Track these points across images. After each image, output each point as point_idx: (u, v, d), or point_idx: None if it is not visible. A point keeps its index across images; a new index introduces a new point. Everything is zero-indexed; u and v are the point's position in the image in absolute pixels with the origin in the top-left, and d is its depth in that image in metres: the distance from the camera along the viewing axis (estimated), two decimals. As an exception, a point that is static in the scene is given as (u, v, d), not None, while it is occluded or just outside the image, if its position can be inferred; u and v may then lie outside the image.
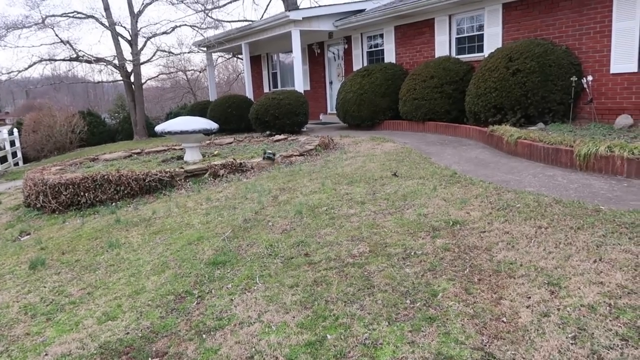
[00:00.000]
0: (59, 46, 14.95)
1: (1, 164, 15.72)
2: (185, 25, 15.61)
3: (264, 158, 7.77)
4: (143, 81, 17.33)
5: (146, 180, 6.79)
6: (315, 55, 15.72)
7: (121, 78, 16.56)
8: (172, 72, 22.91)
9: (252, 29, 14.23)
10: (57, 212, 6.75)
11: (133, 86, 16.61)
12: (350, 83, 11.90)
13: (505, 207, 4.28)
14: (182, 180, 7.06)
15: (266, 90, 18.34)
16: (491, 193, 4.76)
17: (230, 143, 10.56)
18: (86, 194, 6.70)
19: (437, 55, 11.34)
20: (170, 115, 23.36)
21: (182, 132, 8.23)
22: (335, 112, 13.00)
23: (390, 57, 12.74)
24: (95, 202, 6.73)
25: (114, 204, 6.70)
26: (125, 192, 6.75)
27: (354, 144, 9.15)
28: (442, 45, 11.25)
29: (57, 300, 3.73)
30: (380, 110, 11.39)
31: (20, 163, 18.99)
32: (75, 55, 15.17)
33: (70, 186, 6.72)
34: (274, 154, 7.91)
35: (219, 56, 27.21)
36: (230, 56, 23.54)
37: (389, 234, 3.99)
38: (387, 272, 3.27)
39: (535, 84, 8.12)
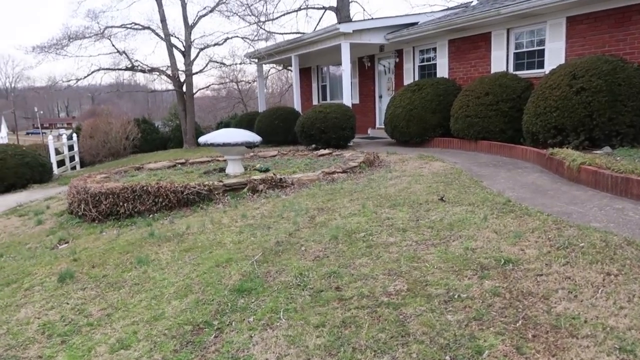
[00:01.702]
0: (116, 56, 15.46)
1: (58, 167, 16.35)
2: (237, 37, 15.69)
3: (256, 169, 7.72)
4: (194, 91, 17.62)
5: (184, 193, 6.68)
6: (365, 68, 15.43)
7: (174, 87, 16.91)
8: (223, 83, 23.30)
9: (302, 41, 14.13)
10: (96, 221, 6.75)
11: (185, 96, 16.90)
12: (400, 98, 11.51)
13: (566, 245, 3.77)
14: (221, 194, 6.90)
15: (315, 102, 18.21)
16: (550, 227, 4.25)
17: (274, 156, 10.40)
18: (125, 205, 6.66)
19: (492, 70, 10.76)
20: (221, 125, 23.69)
21: (224, 144, 8.12)
22: (383, 126, 12.62)
23: (442, 71, 12.25)
24: (134, 212, 6.68)
25: (151, 215, 6.62)
26: (163, 204, 6.66)
27: (400, 162, 8.74)
28: (499, 61, 10.66)
29: (76, 320, 3.57)
30: (430, 127, 10.91)
31: (78, 167, 19.75)
32: (130, 65, 15.64)
33: (110, 196, 6.70)
34: (267, 169, 7.72)
35: (271, 67, 27.49)
36: (281, 68, 23.68)
37: (430, 269, 3.59)
38: (426, 318, 2.88)
39: (601, 104, 7.44)
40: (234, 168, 8.51)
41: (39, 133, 70.00)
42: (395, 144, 11.84)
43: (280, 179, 7.19)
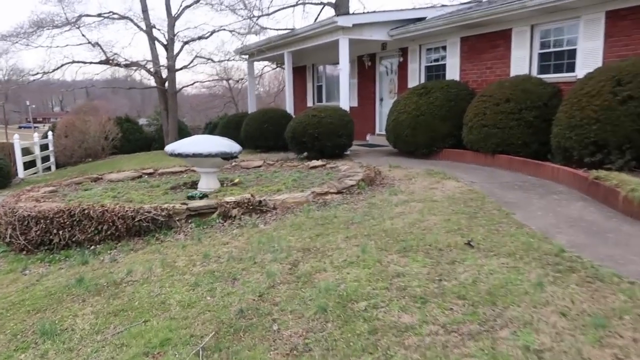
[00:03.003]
0: (90, 47, 13.98)
1: (27, 169, 14.86)
2: (225, 29, 14.26)
3: (188, 198, 6.37)
4: (177, 88, 16.15)
5: (135, 220, 5.26)
6: (365, 68, 14.03)
7: (155, 84, 15.45)
8: (209, 81, 21.79)
9: (296, 35, 12.72)
10: (25, 252, 5.32)
11: (167, 93, 15.45)
12: (405, 102, 10.11)
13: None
14: (183, 220, 5.49)
15: (310, 104, 16.80)
16: (643, 306, 2.87)
17: (259, 167, 8.98)
18: (60, 233, 5.23)
19: (512, 73, 9.40)
20: (209, 126, 22.25)
21: (194, 155, 6.70)
22: (384, 133, 11.23)
23: (453, 73, 10.87)
24: (71, 243, 5.25)
25: (92, 247, 5.20)
26: (109, 232, 5.23)
27: (406, 180, 7.34)
28: (521, 62, 9.29)
29: None
30: (439, 137, 9.52)
31: (53, 168, 18.23)
32: (105, 59, 14.18)
33: (42, 221, 5.27)
34: (204, 195, 6.46)
35: (266, 65, 26.05)
36: (275, 66, 22.25)
37: (476, 395, 2.20)
38: None
39: (656, 116, 6.09)
40: (207, 183, 7.09)
41: (31, 127, 68.28)
42: (398, 155, 10.44)
43: (260, 201, 5.78)
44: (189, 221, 5.50)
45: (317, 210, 5.79)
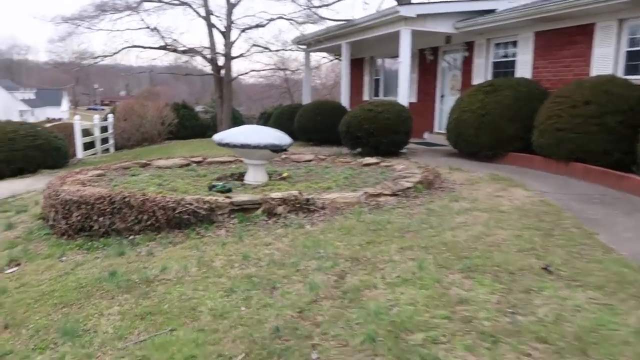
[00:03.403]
0: (150, 32, 14.06)
1: (86, 149, 15.21)
2: (282, 18, 13.94)
3: (210, 188, 6.09)
4: (233, 77, 16.04)
5: (176, 211, 4.98)
6: (426, 62, 13.32)
7: (211, 72, 15.38)
8: (264, 70, 21.59)
9: (355, 26, 12.19)
10: (65, 236, 5.18)
11: (222, 81, 15.35)
12: (469, 100, 9.39)
13: None
14: (226, 215, 5.16)
15: (366, 98, 16.25)
16: None
17: (310, 161, 8.58)
18: (100, 219, 5.04)
19: (593, 73, 8.48)
20: (264, 115, 22.13)
21: (242, 146, 6.38)
22: (444, 132, 10.55)
23: (524, 70, 10.01)
24: (111, 231, 5.05)
25: (131, 236, 4.97)
26: (149, 223, 4.98)
27: (468, 185, 6.71)
28: (604, 61, 8.36)
29: None
30: (505, 139, 8.76)
31: (112, 150, 18.67)
32: (164, 44, 14.22)
33: (83, 206, 5.10)
34: (228, 189, 6.07)
35: (323, 57, 25.65)
36: (332, 58, 21.80)
37: None
38: None
39: None
40: (254, 175, 6.77)
41: (98, 109, 71.39)
42: (459, 156, 9.74)
43: (308, 199, 5.36)
44: (232, 216, 5.17)
45: (369, 213, 5.31)
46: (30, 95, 78.62)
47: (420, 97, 13.75)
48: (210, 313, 3.16)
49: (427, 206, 5.53)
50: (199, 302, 3.34)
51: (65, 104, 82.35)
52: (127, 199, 5.04)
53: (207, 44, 14.84)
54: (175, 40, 14.45)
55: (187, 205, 5.00)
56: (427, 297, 3.15)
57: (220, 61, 15.00)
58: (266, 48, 15.92)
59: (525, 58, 10.03)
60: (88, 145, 16.10)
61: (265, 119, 20.83)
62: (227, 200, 5.18)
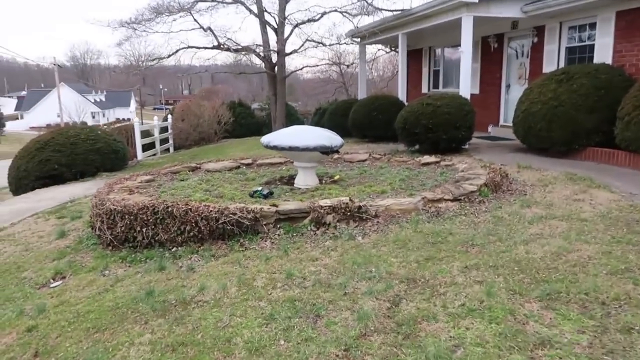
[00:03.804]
0: (203, 32, 14.05)
1: (146, 151, 15.54)
2: (336, 11, 13.48)
3: (251, 195, 5.77)
4: (287, 73, 15.78)
5: (219, 222, 4.70)
6: (490, 50, 12.40)
7: (264, 69, 15.21)
8: (317, 65, 21.23)
9: (412, 15, 11.51)
10: (111, 247, 5.05)
11: (276, 78, 15.13)
12: (539, 90, 8.53)
13: None
14: (272, 225, 4.82)
15: (424, 90, 15.49)
16: None
17: (364, 161, 8.10)
18: (144, 230, 4.86)
19: (689, 54, 7.40)
20: (319, 111, 21.82)
21: (290, 149, 6.02)
22: (511, 125, 9.71)
23: (603, 55, 8.98)
24: (154, 242, 4.86)
25: (174, 248, 4.76)
26: (191, 234, 4.74)
27: (540, 186, 5.99)
28: (702, 40, 7.27)
29: None
30: (581, 132, 7.86)
31: (172, 150, 19.06)
32: (217, 44, 14.17)
33: (127, 216, 4.94)
34: (269, 193, 5.79)
35: (379, 49, 24.95)
36: (389, 50, 21.09)
37: None
38: None
39: None
40: (304, 178, 6.40)
41: (164, 109, 74.21)
42: (527, 151, 8.90)
43: (359, 207, 4.91)
44: (278, 226, 4.82)
45: (428, 221, 4.78)
46: (101, 97, 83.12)
47: (483, 88, 12.85)
48: (245, 347, 2.80)
49: (494, 213, 4.92)
50: (234, 331, 2.99)
51: (132, 104, 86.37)
52: (169, 209, 4.82)
53: (260, 41, 14.66)
54: (229, 39, 14.39)
55: (231, 216, 4.70)
56: (499, 335, 2.62)
57: (274, 58, 14.77)
58: (320, 42, 15.55)
59: (605, 41, 8.99)
60: (148, 146, 16.49)
61: (320, 115, 20.52)
62: (273, 210, 4.83)
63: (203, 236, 4.74)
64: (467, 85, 10.01)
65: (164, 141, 18.37)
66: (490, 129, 12.32)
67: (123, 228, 4.95)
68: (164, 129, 18.47)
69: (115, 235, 5.01)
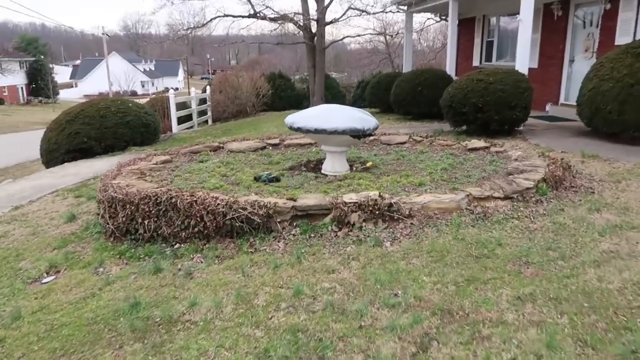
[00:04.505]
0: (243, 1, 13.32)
1: (181, 123, 15.17)
2: (379, -26, 12.40)
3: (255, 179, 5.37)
4: (326, 44, 14.87)
5: (227, 217, 4.09)
6: (553, 19, 11.05)
7: (303, 40, 14.36)
8: (359, 35, 20.05)
9: (466, -22, 10.34)
10: (112, 239, 4.57)
11: (315, 49, 14.27)
12: (611, 65, 7.35)
13: None
14: (287, 223, 4.17)
15: (475, 64, 14.25)
16: None
17: (403, 144, 7.27)
18: (145, 222, 4.33)
19: None
20: (361, 84, 20.81)
21: (317, 131, 5.30)
22: (573, 104, 8.57)
23: (692, 24, 7.64)
24: (157, 236, 4.33)
25: (177, 244, 4.21)
26: (196, 230, 4.17)
27: (612, 182, 5.03)
28: None
29: None
30: (662, 116, 6.70)
31: (210, 122, 18.67)
32: (253, 12, 13.42)
33: (128, 206, 4.43)
34: (275, 179, 5.33)
35: (428, 18, 23.44)
36: (439, 19, 19.66)
37: None
38: None
39: None
40: (332, 164, 5.69)
41: (210, 78, 74.82)
42: (593, 136, 7.78)
43: (390, 204, 4.17)
44: (294, 224, 4.17)
45: (472, 225, 4.00)
46: (150, 66, 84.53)
47: (542, 61, 11.55)
48: (224, 399, 2.19)
49: (554, 218, 4.07)
50: (218, 371, 2.39)
51: (181, 74, 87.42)
52: (173, 200, 4.25)
53: (300, 9, 13.78)
54: (267, 6, 13.60)
55: (240, 211, 4.08)
56: (564, 417, 1.88)
57: (313, 28, 13.90)
58: (364, 11, 14.49)
59: (695, 7, 7.63)
60: (185, 119, 16.13)
61: (362, 89, 19.55)
62: (289, 205, 4.17)
63: (209, 232, 4.15)
64: (524, 59, 8.87)
65: (202, 113, 17.99)
66: (548, 107, 11.10)
67: (124, 219, 4.44)
68: (202, 101, 18.07)
69: (117, 226, 4.52)
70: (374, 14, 15.11)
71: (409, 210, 4.20)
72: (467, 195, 4.43)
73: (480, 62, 14.19)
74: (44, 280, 4.05)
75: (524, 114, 8.16)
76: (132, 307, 3.14)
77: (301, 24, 13.72)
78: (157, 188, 4.62)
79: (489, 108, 7.96)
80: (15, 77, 49.30)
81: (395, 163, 6.10)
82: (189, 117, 16.45)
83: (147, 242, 4.35)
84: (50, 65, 62.00)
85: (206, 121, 18.17)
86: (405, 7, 14.15)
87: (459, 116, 8.42)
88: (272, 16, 13.38)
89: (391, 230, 4.01)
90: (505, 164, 5.79)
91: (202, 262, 3.84)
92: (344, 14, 13.73)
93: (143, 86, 76.95)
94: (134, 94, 65.65)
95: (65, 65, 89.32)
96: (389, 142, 7.34)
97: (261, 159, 6.49)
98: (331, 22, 13.84)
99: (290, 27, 17.24)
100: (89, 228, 5.07)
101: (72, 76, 77.22)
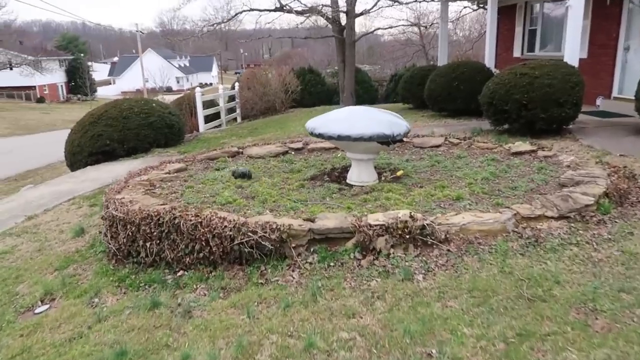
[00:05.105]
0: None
1: (208, 122, 14.85)
2: (411, -38, 11.64)
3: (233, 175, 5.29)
4: (357, 37, 14.20)
5: (235, 242, 3.59)
6: (604, 3, 10.05)
7: (332, 33, 13.74)
8: (390, 27, 19.19)
9: (507, -38, 9.48)
10: (114, 261, 4.17)
11: (345, 43, 13.62)
12: (678, 54, 6.47)
13: None
14: (304, 248, 3.64)
15: (517, 54, 13.29)
16: None
17: (438, 147, 6.60)
18: (148, 245, 3.89)
19: None
20: (394, 78, 20.02)
21: (340, 138, 4.74)
22: (629, 98, 7.70)
23: None
24: (159, 260, 3.88)
25: (181, 271, 3.75)
26: (201, 255, 3.69)
27: (688, 196, 4.26)
28: None
29: None
30: None
31: (239, 119, 18.30)
32: (279, 5, 12.88)
33: (129, 225, 4.00)
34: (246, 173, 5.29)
35: (465, 7, 22.35)
36: (476, 7, 18.65)
37: None
38: None
39: None
40: (358, 173, 5.12)
41: (241, 73, 74.67)
42: (655, 135, 6.91)
43: (423, 226, 3.57)
44: (312, 249, 3.63)
45: (522, 253, 3.36)
46: (185, 62, 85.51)
47: (592, 51, 10.56)
48: None
49: (622, 245, 3.38)
50: None
51: (215, 69, 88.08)
52: (176, 221, 3.78)
53: (328, 2, 13.17)
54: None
55: (250, 235, 3.57)
56: None
57: (343, 20, 13.26)
58: (396, 1, 13.73)
59: None
60: (213, 116, 15.80)
61: (394, 83, 18.76)
62: (306, 227, 3.63)
63: (215, 258, 3.67)
64: (574, 49, 8.01)
65: (230, 110, 17.63)
66: (599, 101, 10.12)
67: (125, 240, 4.02)
68: (231, 98, 17.70)
69: (118, 247, 4.10)
70: (406, 3, 14.33)
71: (445, 233, 3.60)
72: (514, 214, 3.79)
73: (522, 53, 13.22)
74: (37, 310, 3.69)
75: (574, 111, 7.34)
76: (117, 357, 2.69)
77: (330, 16, 13.08)
78: (161, 205, 4.17)
79: (535, 105, 7.18)
80: (55, 76, 50.56)
81: (429, 170, 5.47)
82: (217, 115, 16.11)
83: (150, 266, 3.92)
84: (89, 63, 63.46)
85: (235, 118, 17.83)
86: (441, -4, 13.29)
87: (500, 114, 7.66)
88: (299, 9, 12.84)
89: (424, 258, 3.42)
90: (556, 171, 5.08)
91: (205, 295, 3.37)
92: (375, 5, 13.05)
93: (178, 82, 77.92)
94: (168, 89, 66.47)
95: (104, 62, 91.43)
96: (422, 145, 6.70)
97: (282, 166, 5.97)
98: (361, 14, 13.18)
99: (320, 19, 16.62)
100: (94, 245, 4.70)
101: (110, 73, 78.91)
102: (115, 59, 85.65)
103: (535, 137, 7.10)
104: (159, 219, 3.84)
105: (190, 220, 3.73)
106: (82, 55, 61.94)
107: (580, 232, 3.61)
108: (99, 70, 76.29)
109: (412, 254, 3.48)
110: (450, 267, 3.27)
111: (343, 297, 3.04)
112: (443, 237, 3.57)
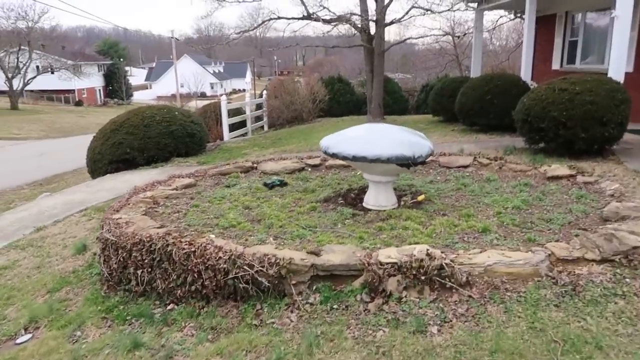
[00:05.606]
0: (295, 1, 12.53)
1: (233, 130, 14.67)
2: (444, -30, 11.16)
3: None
4: (386, 47, 13.78)
5: (229, 275, 3.23)
6: (654, 14, 9.33)
7: (361, 42, 13.36)
8: (421, 37, 18.65)
9: (547, -31, 8.91)
10: (106, 287, 3.88)
11: (374, 52, 13.22)
12: None
13: None
14: (305, 285, 3.25)
15: (555, 67, 12.59)
16: None
17: (466, 167, 6.10)
18: (139, 273, 3.58)
19: None
20: (425, 89, 19.48)
21: (355, 159, 4.34)
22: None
23: None
24: (150, 290, 3.56)
25: (171, 304, 3.42)
26: (193, 288, 3.35)
27: None
28: None
29: None
30: None
31: (266, 127, 18.10)
32: (306, 14, 12.58)
33: (120, 250, 3.70)
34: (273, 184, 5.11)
35: (501, 16, 21.60)
36: (513, 16, 17.93)
37: None
38: None
39: None
40: (376, 197, 4.70)
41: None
42: None
43: (441, 266, 3.13)
44: (314, 287, 3.24)
45: (556, 305, 2.87)
46: (219, 68, 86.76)
47: (639, 64, 9.83)
48: None
49: (679, 300, 2.85)
50: None
51: (248, 75, 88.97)
52: (169, 249, 3.46)
53: (358, 11, 12.81)
54: (323, 7, 12.75)
55: (246, 268, 3.21)
56: None
57: (372, 29, 12.88)
58: (428, 10, 13.26)
59: None
60: (239, 125, 15.61)
61: (425, 94, 18.22)
62: (308, 263, 3.24)
63: (208, 292, 3.32)
64: (621, 63, 7.36)
65: (257, 119, 17.45)
66: (646, 119, 9.38)
67: (116, 265, 3.73)
68: (258, 106, 17.53)
69: (110, 272, 3.82)
70: (440, 12, 13.84)
71: (467, 275, 3.14)
72: (549, 254, 3.30)
73: (561, 65, 12.50)
74: (18, 341, 3.44)
75: (618, 131, 6.71)
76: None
77: (359, 25, 12.72)
78: (157, 228, 3.86)
79: (574, 124, 6.60)
80: (93, 80, 51.97)
81: (454, 195, 5.00)
82: (243, 123, 15.93)
83: (141, 295, 3.61)
84: (127, 68, 64.98)
85: (262, 127, 17.64)
86: (475, 4, 12.76)
87: (535, 132, 7.10)
88: (328, 18, 12.53)
89: (441, 305, 2.97)
90: (597, 201, 4.53)
91: (192, 336, 3.02)
92: (406, 14, 12.63)
93: (212, 87, 79.02)
94: (202, 95, 67.41)
95: (142, 67, 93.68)
96: (448, 165, 6.21)
97: (295, 185, 5.60)
98: (391, 23, 12.75)
99: (350, 28, 16.29)
100: (92, 265, 4.45)
101: (147, 78, 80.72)
102: (153, 64, 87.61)
103: (573, 158, 6.53)
104: (150, 245, 3.53)
105: (183, 249, 3.40)
106: (120, 60, 63.49)
107: (627, 280, 3.09)
108: (137, 75, 78.14)
109: (427, 299, 3.04)
110: (470, 319, 2.82)
111: (343, 351, 2.64)
112: (464, 279, 3.12)
